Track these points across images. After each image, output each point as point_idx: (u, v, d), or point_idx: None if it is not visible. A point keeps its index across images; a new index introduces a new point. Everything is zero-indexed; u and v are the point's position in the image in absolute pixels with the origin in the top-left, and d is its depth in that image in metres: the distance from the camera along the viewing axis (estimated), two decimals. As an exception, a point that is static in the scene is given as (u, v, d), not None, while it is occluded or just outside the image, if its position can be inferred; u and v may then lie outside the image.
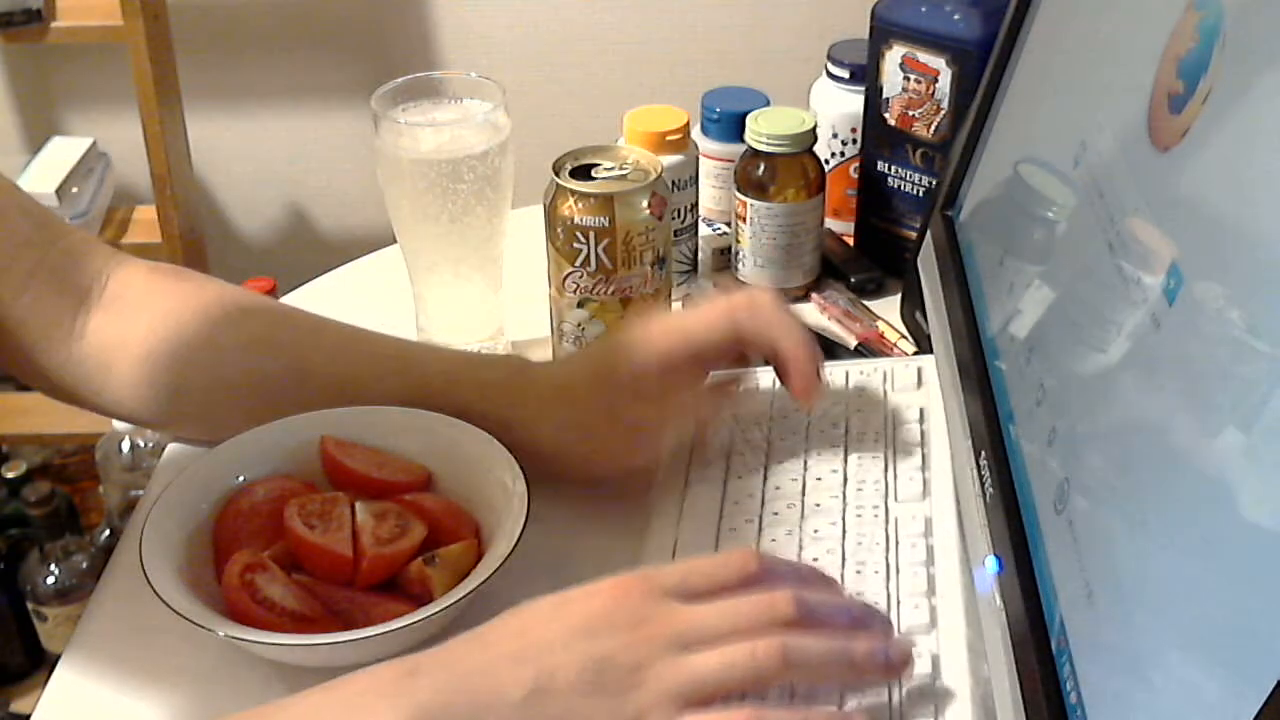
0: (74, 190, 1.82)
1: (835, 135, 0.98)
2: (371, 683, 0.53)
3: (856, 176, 0.96)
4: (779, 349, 0.71)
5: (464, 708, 0.52)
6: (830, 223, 0.98)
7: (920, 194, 0.92)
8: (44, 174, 1.81)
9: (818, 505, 0.69)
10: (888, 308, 0.92)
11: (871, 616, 0.59)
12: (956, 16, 0.86)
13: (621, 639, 0.54)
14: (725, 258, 0.97)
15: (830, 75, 0.98)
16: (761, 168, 0.91)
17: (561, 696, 0.53)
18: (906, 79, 0.89)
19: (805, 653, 0.55)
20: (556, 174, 0.80)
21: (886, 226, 0.95)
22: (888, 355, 0.87)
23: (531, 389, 0.74)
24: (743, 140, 0.92)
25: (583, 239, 0.79)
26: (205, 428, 0.77)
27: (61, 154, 1.87)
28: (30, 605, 1.65)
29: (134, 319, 0.74)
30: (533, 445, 0.71)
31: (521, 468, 0.68)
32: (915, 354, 0.87)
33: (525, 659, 0.54)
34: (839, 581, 0.63)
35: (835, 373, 0.79)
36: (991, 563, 0.57)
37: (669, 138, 0.90)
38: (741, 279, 0.95)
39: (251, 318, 0.76)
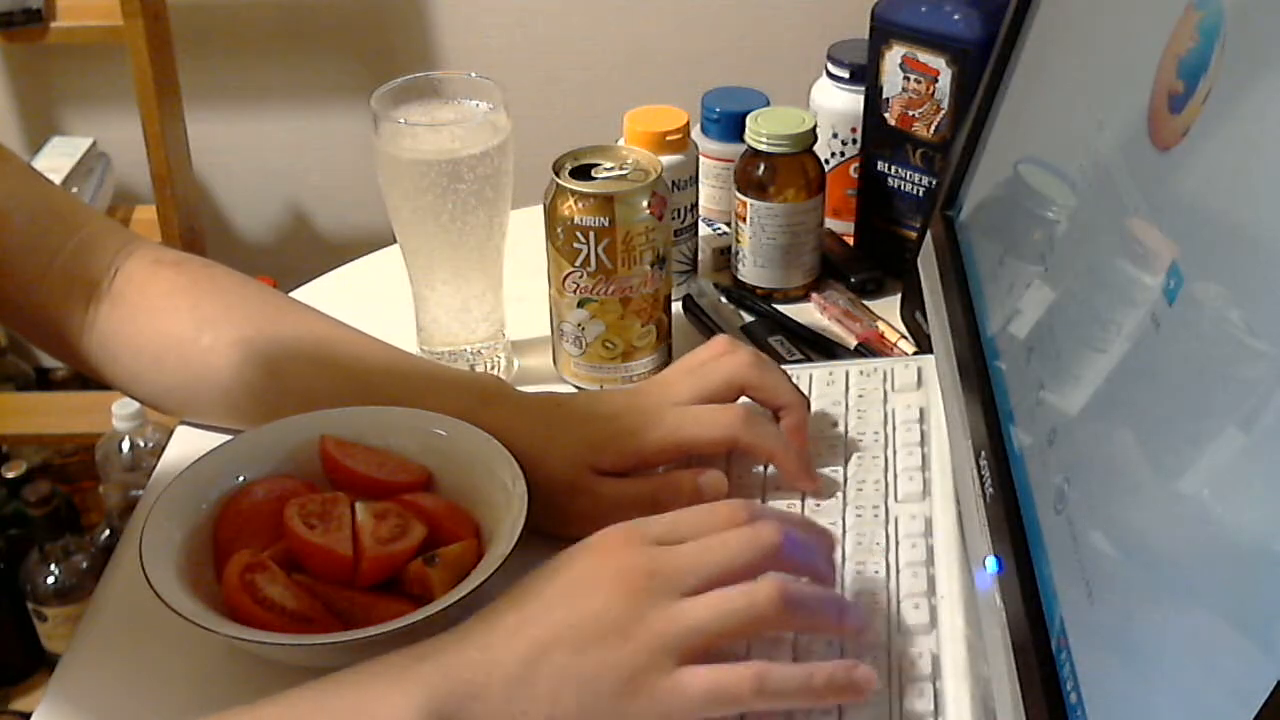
0: (74, 190, 1.82)
1: (835, 135, 0.98)
2: (382, 670, 0.54)
3: (856, 176, 0.96)
4: (775, 462, 0.71)
5: (469, 684, 0.53)
6: (830, 223, 0.98)
7: (920, 194, 0.92)
8: (44, 174, 1.81)
9: (818, 505, 0.69)
10: (888, 308, 0.92)
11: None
12: (956, 16, 0.86)
13: (610, 591, 0.55)
14: (725, 258, 0.97)
15: (830, 75, 0.98)
16: (761, 168, 0.91)
17: (557, 658, 0.53)
18: (906, 79, 0.89)
19: (802, 598, 0.56)
20: (556, 174, 0.80)
21: (886, 226, 0.95)
22: (888, 355, 0.87)
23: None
24: (743, 140, 0.92)
25: (583, 239, 0.79)
26: (200, 418, 0.80)
27: (61, 154, 1.88)
28: (30, 605, 1.65)
29: (131, 318, 0.77)
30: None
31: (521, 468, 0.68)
32: (915, 354, 0.87)
33: (520, 627, 0.55)
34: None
35: (835, 373, 0.79)
36: (991, 563, 0.57)
37: (669, 138, 0.90)
38: (741, 279, 0.95)
39: (230, 316, 0.76)
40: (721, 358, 0.73)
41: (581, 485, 0.69)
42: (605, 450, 0.70)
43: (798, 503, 0.70)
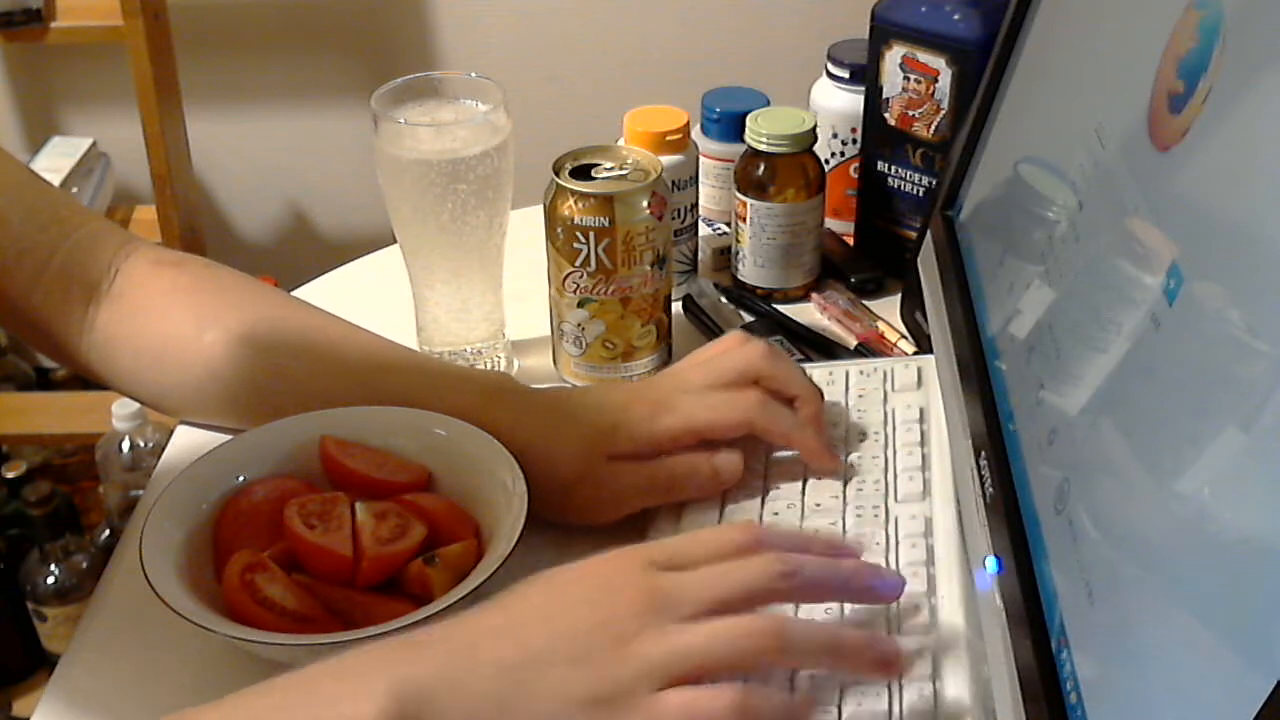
0: (74, 190, 1.82)
1: (835, 135, 0.98)
2: (357, 660, 0.53)
3: (856, 176, 0.96)
4: (792, 445, 0.71)
5: (444, 680, 0.51)
6: (830, 223, 0.98)
7: (920, 194, 0.92)
8: (44, 174, 1.81)
9: (818, 505, 0.69)
10: (888, 308, 0.92)
11: (875, 575, 0.59)
12: (956, 16, 0.86)
13: (603, 610, 0.53)
14: (725, 258, 0.97)
15: (830, 75, 0.98)
16: (761, 168, 0.91)
17: (540, 668, 0.52)
18: (906, 79, 0.89)
19: (799, 637, 0.55)
20: (556, 174, 0.80)
21: (886, 226, 0.95)
22: (888, 355, 0.87)
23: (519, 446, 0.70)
24: (743, 140, 0.92)
25: (583, 239, 0.79)
26: (201, 418, 0.80)
27: (61, 154, 1.88)
28: (30, 605, 1.65)
29: (131, 318, 0.76)
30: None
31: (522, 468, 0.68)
32: (915, 354, 0.87)
33: (507, 632, 0.53)
34: (851, 546, 0.61)
35: (835, 373, 0.79)
36: (991, 563, 0.57)
37: (669, 138, 0.90)
38: (741, 279, 0.95)
39: (232, 314, 0.76)
40: (734, 350, 0.73)
41: (595, 471, 0.69)
42: (618, 436, 0.69)
43: (798, 501, 0.70)
